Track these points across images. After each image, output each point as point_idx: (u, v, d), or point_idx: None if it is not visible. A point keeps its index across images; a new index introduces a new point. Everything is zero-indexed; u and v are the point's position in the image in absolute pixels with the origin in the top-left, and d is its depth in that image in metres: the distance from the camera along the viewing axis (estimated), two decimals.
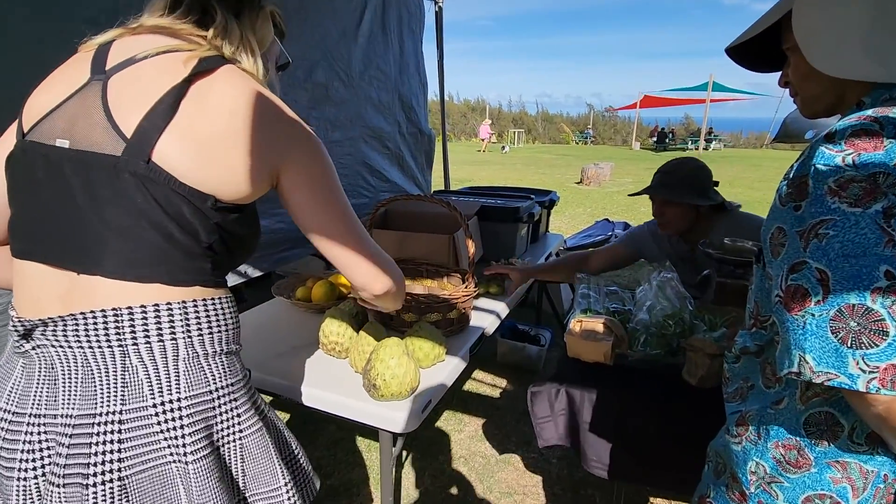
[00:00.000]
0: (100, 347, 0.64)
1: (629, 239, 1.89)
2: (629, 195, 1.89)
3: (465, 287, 1.44)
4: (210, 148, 0.67)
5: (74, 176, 0.65)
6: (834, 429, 0.67)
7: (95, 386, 0.64)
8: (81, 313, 0.64)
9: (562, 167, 13.99)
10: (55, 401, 0.65)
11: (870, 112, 0.59)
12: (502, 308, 1.71)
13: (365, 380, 1.14)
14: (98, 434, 0.63)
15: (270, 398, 1.17)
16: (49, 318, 0.65)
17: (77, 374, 0.65)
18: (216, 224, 0.70)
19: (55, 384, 0.65)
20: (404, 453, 2.11)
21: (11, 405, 0.67)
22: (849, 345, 0.54)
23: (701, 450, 0.90)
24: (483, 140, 21.05)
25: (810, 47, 0.68)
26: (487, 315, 1.63)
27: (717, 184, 1.69)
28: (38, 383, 0.66)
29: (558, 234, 2.85)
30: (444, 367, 1.29)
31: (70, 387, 0.65)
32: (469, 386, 2.66)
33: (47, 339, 0.66)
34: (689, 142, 21.50)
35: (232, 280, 2.02)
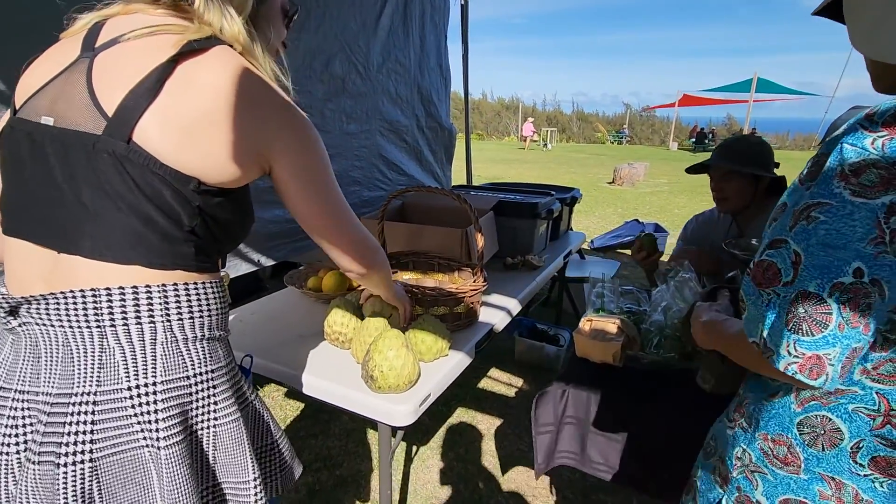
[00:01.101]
0: (79, 328, 0.64)
1: (689, 240, 1.85)
2: (686, 170, 1.79)
3: (475, 282, 1.41)
4: (193, 129, 0.65)
5: (54, 155, 0.64)
6: (833, 435, 0.62)
7: (74, 366, 0.64)
8: (62, 293, 0.64)
9: (594, 166, 13.70)
10: (38, 378, 0.65)
11: None
12: (514, 304, 1.67)
13: (363, 371, 1.13)
14: (73, 414, 0.63)
15: (285, 389, 1.17)
16: (32, 297, 0.65)
17: (58, 353, 0.65)
18: (198, 207, 0.68)
19: (39, 361, 0.66)
20: (415, 448, 2.09)
21: None
22: (789, 328, 0.56)
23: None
24: (526, 138, 21.42)
25: (852, 26, 0.64)
26: (497, 311, 1.60)
27: (777, 165, 1.62)
28: (24, 359, 0.67)
29: (580, 233, 2.77)
30: (447, 362, 1.27)
31: (51, 365, 0.65)
32: (484, 384, 2.62)
33: (31, 317, 0.66)
34: None
35: (247, 268, 2.05)
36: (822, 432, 0.63)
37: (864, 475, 0.62)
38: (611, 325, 1.28)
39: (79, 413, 0.63)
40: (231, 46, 0.71)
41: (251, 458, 0.76)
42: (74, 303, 0.64)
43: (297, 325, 1.47)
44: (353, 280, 0.91)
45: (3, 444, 0.65)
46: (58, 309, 0.64)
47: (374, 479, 1.90)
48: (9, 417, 0.66)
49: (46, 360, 0.65)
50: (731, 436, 0.74)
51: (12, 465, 0.66)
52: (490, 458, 2.06)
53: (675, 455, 1.11)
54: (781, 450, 0.66)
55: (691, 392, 1.16)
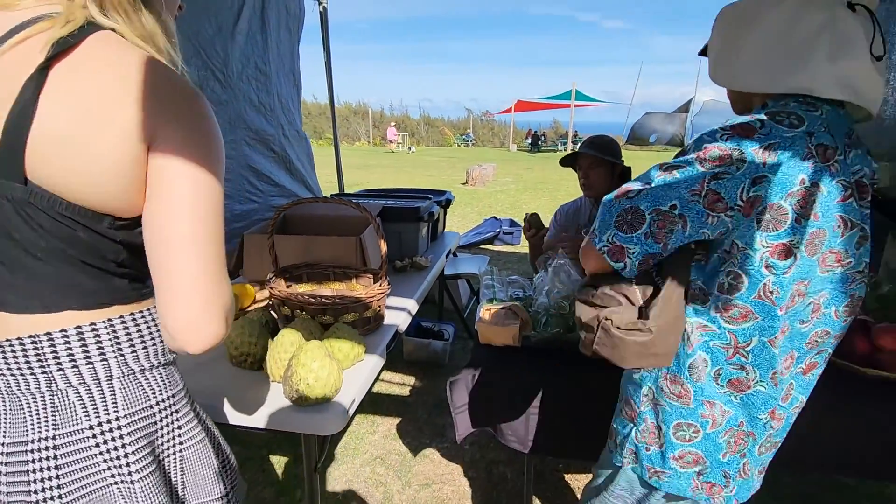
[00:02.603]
0: (22, 375, 0.61)
1: (559, 224, 2.15)
2: (561, 161, 2.10)
3: (380, 285, 1.46)
4: (84, 154, 0.55)
5: None
6: (702, 367, 0.84)
7: (24, 413, 0.61)
8: None
9: (447, 169, 14.43)
10: None
11: (762, 114, 0.76)
12: (412, 305, 1.76)
13: (286, 387, 1.11)
14: (34, 462, 0.60)
15: None
16: None
17: (4, 401, 0.62)
18: (121, 242, 0.62)
19: None
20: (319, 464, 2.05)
21: None
22: (615, 225, 0.79)
23: (601, 415, 1.04)
24: (391, 142, 23.48)
25: (710, 65, 0.89)
26: (399, 312, 1.67)
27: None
28: None
29: (454, 233, 2.97)
30: (363, 366, 1.30)
31: (1, 415, 0.62)
32: (378, 387, 2.66)
33: None
34: (559, 143, 23.54)
35: None
36: (699, 368, 0.84)
37: (724, 392, 0.85)
38: (507, 310, 1.44)
39: (40, 459, 0.60)
40: (113, 30, 0.59)
41: (219, 474, 0.76)
42: (13, 351, 0.60)
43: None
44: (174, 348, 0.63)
45: None
46: (3, 357, 0.60)
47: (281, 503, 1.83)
48: None
49: None
50: (640, 378, 0.93)
51: None
52: (395, 456, 2.12)
53: (573, 414, 1.31)
54: (677, 387, 0.87)
55: (576, 359, 1.37)
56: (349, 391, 1.18)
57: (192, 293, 0.58)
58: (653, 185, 0.77)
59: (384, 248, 1.42)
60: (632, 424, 0.93)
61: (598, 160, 1.95)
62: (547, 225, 2.13)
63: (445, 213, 2.82)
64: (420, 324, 3.00)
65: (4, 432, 0.61)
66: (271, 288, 1.45)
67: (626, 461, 0.95)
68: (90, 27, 0.58)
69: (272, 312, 1.49)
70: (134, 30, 0.61)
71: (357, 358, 1.29)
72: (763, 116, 0.76)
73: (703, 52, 0.95)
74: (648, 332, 0.77)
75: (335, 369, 1.12)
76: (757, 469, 0.91)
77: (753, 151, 0.73)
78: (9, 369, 0.60)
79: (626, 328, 0.78)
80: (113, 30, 0.59)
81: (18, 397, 0.61)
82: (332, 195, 2.42)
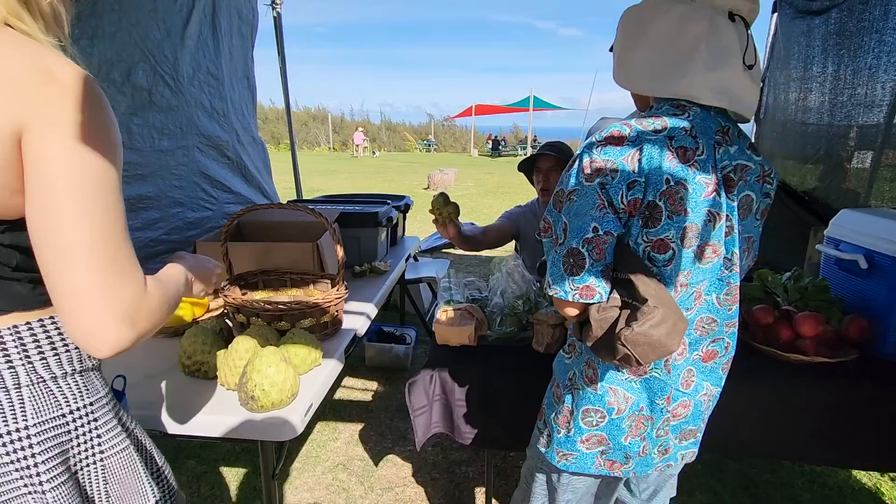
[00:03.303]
0: None
1: (509, 218, 2.19)
2: (519, 166, 2.14)
3: (337, 290, 1.47)
4: None
5: None
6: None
7: None
8: None
9: (409, 174, 14.45)
10: None
11: (632, 120, 0.83)
12: (371, 309, 1.77)
13: (241, 394, 1.10)
14: None
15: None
16: None
17: None
18: (11, 246, 0.60)
19: None
20: (280, 470, 2.02)
21: None
22: (567, 273, 0.82)
23: None
24: (358, 146, 23.55)
25: (613, 66, 0.95)
26: (358, 317, 1.68)
27: None
28: None
29: (414, 237, 2.99)
30: (321, 371, 1.31)
31: None
32: (340, 394, 2.65)
33: None
34: (519, 148, 23.99)
35: None
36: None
37: (623, 379, 0.91)
38: (463, 312, 1.48)
39: None
40: None
41: (148, 483, 0.74)
42: None
43: (143, 365, 1.32)
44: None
45: None
46: None
47: None
48: None
49: None
50: (567, 364, 0.99)
51: None
52: (358, 462, 2.12)
53: (527, 409, 1.36)
54: (590, 372, 0.93)
55: (529, 355, 1.43)
56: (306, 396, 1.18)
57: (84, 298, 0.55)
58: (568, 221, 0.82)
59: (341, 253, 1.44)
60: (556, 406, 1.00)
61: (558, 162, 1.98)
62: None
63: (405, 219, 2.84)
64: (382, 328, 3.01)
65: None
66: (225, 296, 1.43)
67: (542, 442, 1.03)
68: None
69: (227, 321, 1.48)
70: (17, 16, 0.56)
71: (314, 363, 1.30)
72: (633, 122, 0.83)
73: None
74: (655, 308, 0.75)
75: (291, 374, 1.13)
76: (655, 449, 0.97)
77: (624, 160, 0.80)
78: None
79: (640, 323, 0.75)
80: None
81: None
82: (288, 201, 2.40)
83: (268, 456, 1.17)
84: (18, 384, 0.63)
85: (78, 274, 0.54)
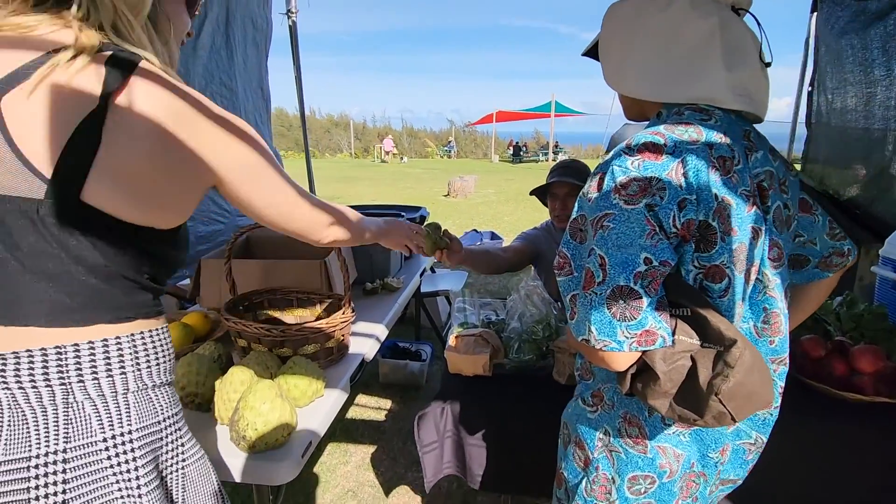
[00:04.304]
0: (34, 387, 0.61)
1: (527, 240, 1.99)
2: (531, 192, 1.97)
3: (344, 313, 1.38)
4: (142, 179, 0.62)
5: None
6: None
7: (29, 428, 0.61)
8: (14, 353, 0.60)
9: (429, 181, 14.41)
10: None
11: (662, 128, 0.72)
12: (381, 330, 1.68)
13: (233, 432, 1.02)
14: (37, 477, 0.60)
15: None
16: None
17: (3, 416, 0.61)
18: (151, 254, 0.67)
19: None
20: (285, 497, 1.94)
21: None
22: (618, 318, 0.65)
23: None
24: (387, 152, 24.44)
25: (604, 69, 0.83)
26: (367, 340, 1.58)
27: None
28: None
29: None
30: (323, 403, 1.21)
31: None
32: (352, 413, 2.56)
33: None
34: (540, 154, 23.75)
35: None
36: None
37: (671, 433, 0.78)
38: (477, 338, 1.37)
39: (45, 475, 0.60)
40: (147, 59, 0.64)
41: (220, 490, 0.79)
42: (32, 362, 0.60)
43: None
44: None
45: None
46: (15, 368, 0.60)
47: None
48: None
49: None
50: (596, 418, 0.84)
51: None
52: (368, 488, 2.02)
53: (547, 448, 1.24)
54: (634, 430, 0.79)
55: (550, 387, 1.31)
56: (305, 434, 1.09)
57: (303, 230, 0.86)
58: (605, 254, 0.67)
59: (348, 272, 1.35)
60: (583, 473, 0.85)
61: (576, 188, 1.81)
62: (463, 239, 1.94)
63: None
64: (397, 344, 2.91)
65: (3, 450, 0.60)
66: (226, 318, 1.36)
67: None
68: (125, 57, 0.61)
69: (234, 341, 1.40)
70: (159, 59, 0.65)
71: (316, 394, 1.21)
72: (663, 130, 0.71)
73: (589, 53, 0.92)
74: (744, 350, 0.61)
75: (287, 410, 1.04)
76: None
77: (669, 175, 0.68)
78: (17, 382, 0.60)
79: (735, 370, 0.61)
80: (146, 59, 0.63)
81: (24, 411, 0.61)
82: None
83: (263, 500, 1.08)
84: (126, 389, 0.66)
85: (296, 219, 0.83)
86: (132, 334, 0.67)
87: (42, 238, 0.59)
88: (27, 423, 0.61)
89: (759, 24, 0.79)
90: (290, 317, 1.62)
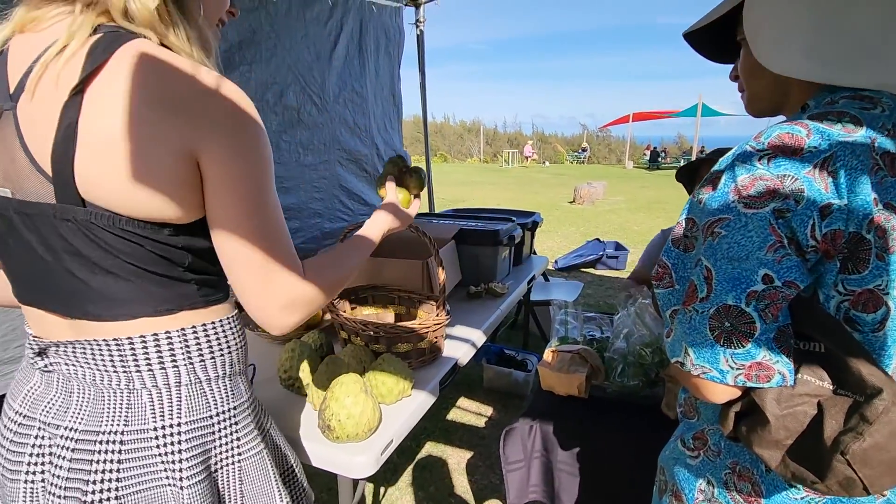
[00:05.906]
0: (107, 371, 0.65)
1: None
2: (677, 175, 1.79)
3: (437, 316, 1.37)
4: (122, 169, 0.56)
5: (25, 228, 0.62)
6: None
7: (104, 404, 0.65)
8: (87, 340, 0.64)
9: (555, 186, 14.03)
10: (65, 412, 0.66)
11: (805, 119, 0.58)
12: (478, 336, 1.64)
13: (320, 420, 1.06)
14: (100, 452, 0.64)
15: None
16: (60, 342, 0.66)
17: (90, 390, 0.66)
18: (184, 248, 0.65)
19: (70, 396, 0.67)
20: (383, 489, 2.00)
21: (24, 408, 0.69)
22: (721, 343, 0.55)
23: None
24: (528, 158, 25.31)
25: (757, 40, 0.66)
26: (462, 344, 1.56)
27: None
28: (55, 392, 0.68)
29: (543, 257, 2.79)
30: (409, 403, 1.21)
31: (82, 401, 0.66)
32: (453, 415, 2.56)
33: (61, 358, 0.67)
34: (682, 159, 21.70)
35: None
36: None
37: (801, 498, 0.61)
38: (574, 355, 1.26)
39: (106, 451, 0.64)
40: (143, 36, 0.59)
41: (278, 486, 0.78)
42: (100, 350, 0.64)
43: (260, 366, 1.38)
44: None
45: (27, 472, 0.67)
46: (84, 353, 0.65)
47: None
48: (33, 447, 0.67)
49: (78, 396, 0.66)
50: (697, 465, 0.71)
51: (37, 493, 0.66)
52: (462, 493, 1.99)
53: (646, 492, 1.09)
54: (745, 486, 0.65)
55: (657, 420, 1.15)
56: (387, 431, 1.09)
57: (249, 295, 0.64)
58: (713, 266, 0.57)
59: (443, 275, 1.34)
60: None
61: None
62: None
63: (533, 236, 2.65)
64: (504, 350, 2.86)
65: (81, 419, 0.65)
66: (331, 309, 1.43)
67: None
68: (121, 35, 0.57)
69: (337, 334, 1.48)
70: (165, 39, 0.61)
71: (403, 393, 1.21)
72: (806, 120, 0.57)
73: (689, 35, 0.77)
74: (876, 391, 0.48)
75: (370, 406, 1.05)
76: None
77: (809, 175, 0.54)
78: (95, 364, 0.65)
79: (874, 429, 0.47)
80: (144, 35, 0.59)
81: (102, 390, 0.65)
82: (416, 215, 2.40)
83: (346, 489, 1.11)
84: (179, 383, 0.67)
85: (242, 276, 0.63)
86: (182, 329, 0.67)
87: (65, 241, 0.60)
88: (104, 401, 0.65)
89: None
90: (390, 314, 1.66)
